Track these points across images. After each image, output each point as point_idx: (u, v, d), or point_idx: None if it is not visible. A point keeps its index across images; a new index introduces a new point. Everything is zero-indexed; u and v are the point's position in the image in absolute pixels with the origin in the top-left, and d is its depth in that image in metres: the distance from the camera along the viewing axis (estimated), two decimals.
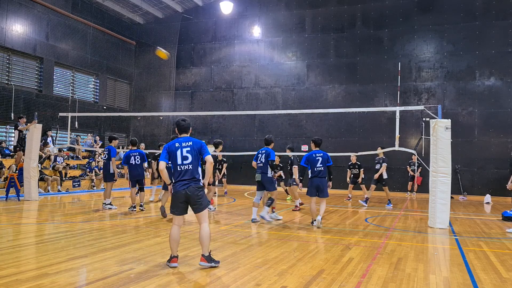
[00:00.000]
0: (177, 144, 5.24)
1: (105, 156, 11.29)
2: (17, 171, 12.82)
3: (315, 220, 8.64)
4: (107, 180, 11.15)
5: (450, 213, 9.16)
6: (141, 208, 10.74)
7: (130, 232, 7.64)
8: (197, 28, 22.72)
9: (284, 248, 6.46)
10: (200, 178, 5.27)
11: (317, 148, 8.90)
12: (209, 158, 5.22)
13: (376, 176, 13.01)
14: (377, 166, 13.17)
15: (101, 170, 11.88)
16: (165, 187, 10.18)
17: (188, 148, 5.21)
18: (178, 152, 5.19)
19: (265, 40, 21.45)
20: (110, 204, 10.99)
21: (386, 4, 19.41)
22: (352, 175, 14.73)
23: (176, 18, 22.87)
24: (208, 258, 5.15)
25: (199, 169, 5.29)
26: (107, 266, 5.14)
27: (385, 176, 13.01)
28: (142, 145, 17.05)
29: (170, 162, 5.28)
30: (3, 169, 14.32)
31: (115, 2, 21.26)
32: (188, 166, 5.16)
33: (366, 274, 5.07)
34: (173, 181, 5.25)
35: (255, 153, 9.63)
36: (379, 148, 13.35)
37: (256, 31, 21.64)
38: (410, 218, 10.60)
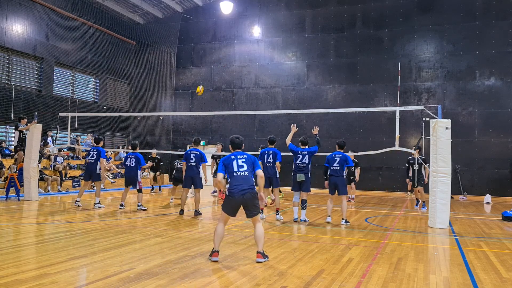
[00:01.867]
0: (232, 157, 5.84)
1: (92, 156, 11.39)
2: (17, 171, 12.82)
3: (329, 217, 9.37)
4: (95, 179, 11.42)
5: (450, 213, 9.16)
6: (139, 208, 10.80)
7: (130, 232, 7.64)
8: (197, 28, 22.72)
9: (284, 248, 6.46)
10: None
11: (340, 150, 9.48)
12: (260, 172, 5.74)
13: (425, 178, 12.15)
14: (416, 167, 12.37)
15: (85, 169, 12.06)
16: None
17: (244, 159, 5.81)
18: (234, 162, 5.76)
19: (265, 40, 21.45)
20: (99, 203, 11.24)
21: (386, 4, 19.41)
22: (347, 172, 14.21)
23: (176, 18, 22.87)
24: (263, 254, 5.60)
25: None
26: (107, 266, 5.14)
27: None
28: (154, 151, 17.14)
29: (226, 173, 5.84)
30: (3, 169, 14.32)
31: (115, 2, 21.25)
32: (244, 173, 5.70)
33: (366, 274, 5.07)
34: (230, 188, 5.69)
35: (255, 153, 9.64)
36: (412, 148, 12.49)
37: (256, 31, 21.64)
38: (410, 218, 10.60)
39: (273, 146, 9.85)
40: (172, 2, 22.06)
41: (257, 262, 5.49)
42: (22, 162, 12.92)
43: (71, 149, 18.02)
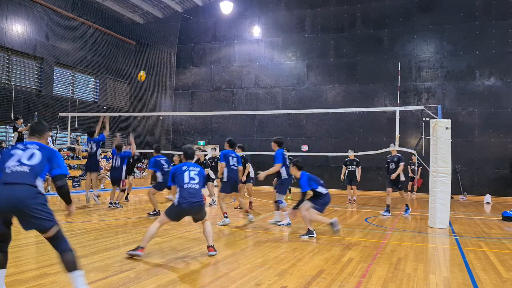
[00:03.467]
0: (184, 167, 5.87)
1: (91, 148, 11.97)
2: None
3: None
4: (94, 170, 11.91)
5: (450, 213, 9.16)
6: (115, 205, 11.12)
7: (130, 232, 7.64)
8: (197, 28, 22.72)
9: (284, 248, 6.46)
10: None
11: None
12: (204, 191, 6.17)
13: (393, 176, 11.23)
14: (392, 166, 11.45)
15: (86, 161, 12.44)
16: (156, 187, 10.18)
17: (196, 172, 5.87)
18: (186, 174, 5.79)
19: (265, 40, 21.45)
20: (97, 196, 11.69)
21: (386, 4, 19.42)
22: (347, 172, 13.84)
23: (176, 18, 22.87)
24: (214, 248, 5.86)
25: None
26: (107, 266, 5.14)
27: (402, 178, 11.49)
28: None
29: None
30: None
31: (115, 2, 21.25)
32: (196, 186, 5.76)
33: (366, 274, 5.07)
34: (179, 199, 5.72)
35: (256, 153, 9.62)
36: (391, 145, 11.78)
37: (256, 31, 21.64)
38: (410, 218, 10.60)
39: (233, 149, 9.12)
40: (172, 2, 22.06)
41: (209, 255, 5.74)
42: None
43: (71, 149, 18.00)
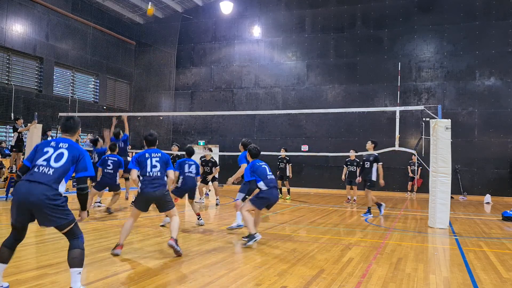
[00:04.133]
0: (147, 155, 5.95)
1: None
2: (17, 171, 12.79)
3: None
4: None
5: (450, 213, 9.16)
6: (98, 204, 10.93)
7: (130, 232, 7.62)
8: (197, 28, 22.72)
9: (284, 248, 6.46)
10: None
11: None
12: (170, 173, 6.10)
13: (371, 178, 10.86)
14: (366, 165, 11.03)
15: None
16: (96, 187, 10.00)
17: (157, 158, 5.95)
18: (148, 161, 5.89)
19: (265, 40, 21.45)
20: (99, 202, 11.16)
21: (386, 4, 19.42)
22: (348, 172, 13.79)
23: (176, 18, 22.87)
24: (176, 241, 5.77)
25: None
26: (107, 266, 5.14)
27: (373, 177, 10.95)
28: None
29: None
30: (3, 169, 14.31)
31: (115, 2, 21.25)
32: (157, 173, 5.88)
33: (366, 274, 5.07)
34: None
35: None
36: (368, 143, 11.14)
37: (256, 31, 21.64)
38: (410, 218, 10.60)
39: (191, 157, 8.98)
40: (172, 2, 22.06)
41: (169, 244, 5.72)
42: (21, 162, 12.92)
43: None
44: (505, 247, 7.15)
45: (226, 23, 22.17)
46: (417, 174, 17.91)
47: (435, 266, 5.63)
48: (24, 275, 4.63)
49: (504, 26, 17.72)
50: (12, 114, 16.25)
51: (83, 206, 4.13)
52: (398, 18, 19.22)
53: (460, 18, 18.30)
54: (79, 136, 18.84)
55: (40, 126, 12.96)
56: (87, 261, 5.34)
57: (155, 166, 5.88)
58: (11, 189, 12.52)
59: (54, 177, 3.85)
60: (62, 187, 3.92)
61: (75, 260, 3.93)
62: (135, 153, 12.47)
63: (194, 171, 8.61)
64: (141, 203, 5.91)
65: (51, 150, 3.98)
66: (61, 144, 4.04)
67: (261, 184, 6.84)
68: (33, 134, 12.67)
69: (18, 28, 17.12)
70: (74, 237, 4.00)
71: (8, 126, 17.03)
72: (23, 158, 13.01)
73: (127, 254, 5.82)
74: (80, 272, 3.94)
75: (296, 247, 6.60)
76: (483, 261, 5.95)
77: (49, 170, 3.85)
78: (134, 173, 5.92)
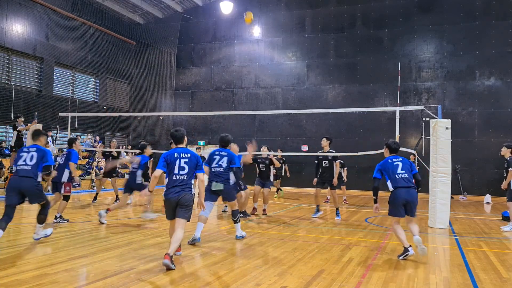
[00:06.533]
0: (176, 154, 5.41)
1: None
2: None
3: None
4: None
5: (450, 213, 9.16)
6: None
7: (130, 232, 7.63)
8: (197, 28, 22.72)
9: (284, 248, 6.46)
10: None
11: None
12: (201, 176, 5.46)
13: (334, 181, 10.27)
14: (325, 164, 10.45)
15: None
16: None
17: (186, 160, 5.40)
18: (177, 162, 5.37)
19: (265, 40, 21.45)
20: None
21: (386, 4, 19.42)
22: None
23: (176, 18, 22.87)
24: (171, 258, 4.99)
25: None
26: (107, 266, 5.14)
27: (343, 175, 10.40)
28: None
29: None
30: (3, 169, 14.31)
31: (115, 2, 21.25)
32: (184, 176, 5.35)
33: (366, 274, 5.07)
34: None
35: (256, 153, 9.56)
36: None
37: (256, 31, 21.64)
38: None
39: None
40: (172, 2, 22.06)
41: (164, 263, 4.92)
42: None
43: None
44: (505, 247, 7.16)
45: (226, 23, 22.17)
46: None
47: (435, 266, 5.63)
48: (24, 275, 4.63)
49: (504, 26, 17.72)
50: (12, 114, 16.25)
51: None
52: (398, 18, 19.21)
53: (460, 18, 18.30)
54: (79, 136, 18.87)
55: (40, 126, 12.96)
56: (88, 261, 5.34)
57: (183, 168, 5.34)
58: None
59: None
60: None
61: (40, 218, 6.46)
62: (133, 154, 12.05)
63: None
64: (167, 210, 5.42)
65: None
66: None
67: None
68: None
69: (18, 28, 17.12)
70: (44, 208, 6.45)
71: (8, 126, 17.03)
72: None
73: (127, 254, 5.82)
74: (41, 227, 6.48)
75: (296, 247, 6.60)
76: (483, 261, 5.95)
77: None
78: (158, 173, 5.34)
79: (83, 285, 4.38)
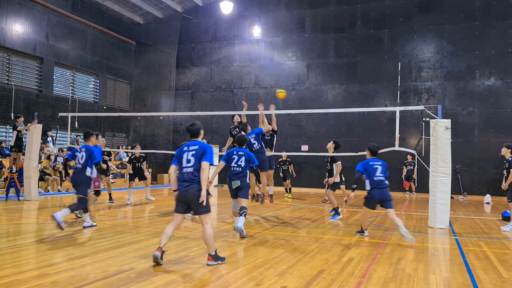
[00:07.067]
0: (185, 148, 5.37)
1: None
2: (17, 171, 12.81)
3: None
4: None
5: (450, 213, 9.16)
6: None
7: (130, 232, 7.63)
8: (197, 28, 22.72)
9: (284, 248, 6.46)
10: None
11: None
12: (204, 164, 5.20)
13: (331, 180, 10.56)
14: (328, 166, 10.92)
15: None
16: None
17: (193, 152, 5.28)
18: (185, 155, 5.31)
19: (265, 40, 21.45)
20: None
21: (386, 4, 19.42)
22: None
23: (176, 18, 22.87)
24: (215, 257, 5.32)
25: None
26: (107, 266, 5.14)
27: (337, 179, 10.63)
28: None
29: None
30: (3, 169, 14.30)
31: (115, 2, 21.25)
32: (190, 169, 5.24)
33: (366, 274, 5.07)
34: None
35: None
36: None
37: (256, 31, 21.65)
38: (410, 218, 10.60)
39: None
40: (172, 2, 22.06)
41: (208, 264, 5.23)
42: (22, 162, 12.92)
43: (71, 149, 17.96)
44: (505, 247, 7.15)
45: (226, 23, 22.17)
46: (413, 175, 17.55)
47: (435, 266, 5.63)
48: (24, 275, 4.63)
49: (504, 26, 17.72)
50: (12, 114, 16.26)
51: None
52: (398, 18, 19.22)
53: (460, 18, 18.30)
54: (80, 136, 18.87)
55: (40, 126, 12.97)
56: (88, 261, 5.34)
57: (189, 161, 5.23)
58: (11, 189, 12.53)
59: None
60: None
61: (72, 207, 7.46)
62: (131, 155, 12.27)
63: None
64: (177, 204, 5.35)
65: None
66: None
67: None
68: (33, 134, 12.67)
69: (18, 28, 17.12)
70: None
71: (8, 126, 17.03)
72: (22, 159, 13.00)
73: (127, 254, 5.82)
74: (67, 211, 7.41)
75: (296, 247, 6.60)
76: (483, 261, 5.95)
77: None
78: (172, 168, 5.36)
79: (83, 285, 4.38)
